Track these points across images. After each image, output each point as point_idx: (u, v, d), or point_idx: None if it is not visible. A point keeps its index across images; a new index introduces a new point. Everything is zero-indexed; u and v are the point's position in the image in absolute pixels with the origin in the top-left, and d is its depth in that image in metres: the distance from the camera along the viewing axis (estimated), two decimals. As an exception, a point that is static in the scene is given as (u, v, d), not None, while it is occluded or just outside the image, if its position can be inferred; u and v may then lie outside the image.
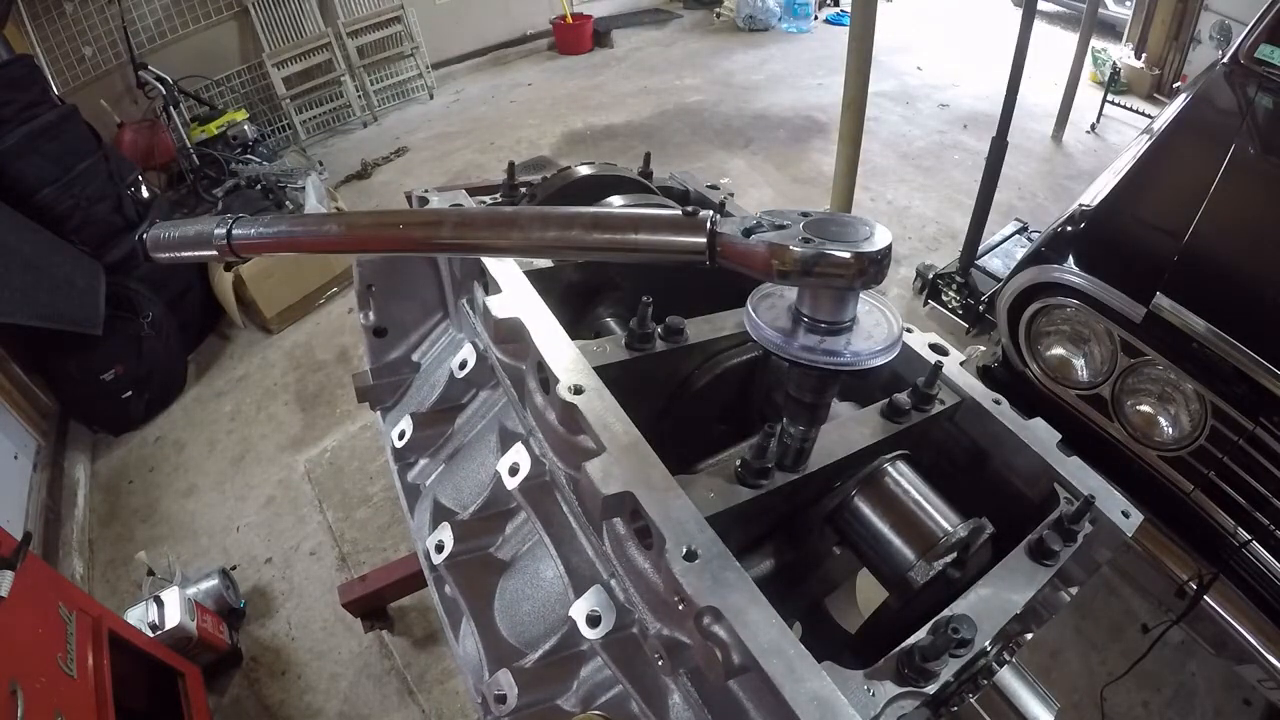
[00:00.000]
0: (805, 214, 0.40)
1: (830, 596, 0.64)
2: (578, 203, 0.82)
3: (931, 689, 0.46)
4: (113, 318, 2.39)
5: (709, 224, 0.38)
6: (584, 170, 0.88)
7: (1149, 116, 3.62)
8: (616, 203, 0.78)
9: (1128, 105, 4.39)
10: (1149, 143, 1.87)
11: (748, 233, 0.38)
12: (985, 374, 1.72)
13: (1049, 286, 1.54)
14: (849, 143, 2.45)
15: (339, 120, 4.98)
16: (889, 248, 0.37)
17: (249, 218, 0.60)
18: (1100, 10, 4.74)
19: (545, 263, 0.81)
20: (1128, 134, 3.86)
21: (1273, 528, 1.37)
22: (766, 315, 0.43)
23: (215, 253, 0.57)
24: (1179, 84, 3.94)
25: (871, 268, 0.37)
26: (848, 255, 0.36)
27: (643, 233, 0.40)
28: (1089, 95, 4.54)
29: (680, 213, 0.40)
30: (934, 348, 0.68)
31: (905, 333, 0.63)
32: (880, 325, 0.43)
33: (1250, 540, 1.39)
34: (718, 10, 6.54)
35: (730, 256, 0.39)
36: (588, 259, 0.47)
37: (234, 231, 0.57)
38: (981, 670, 0.49)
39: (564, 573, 0.61)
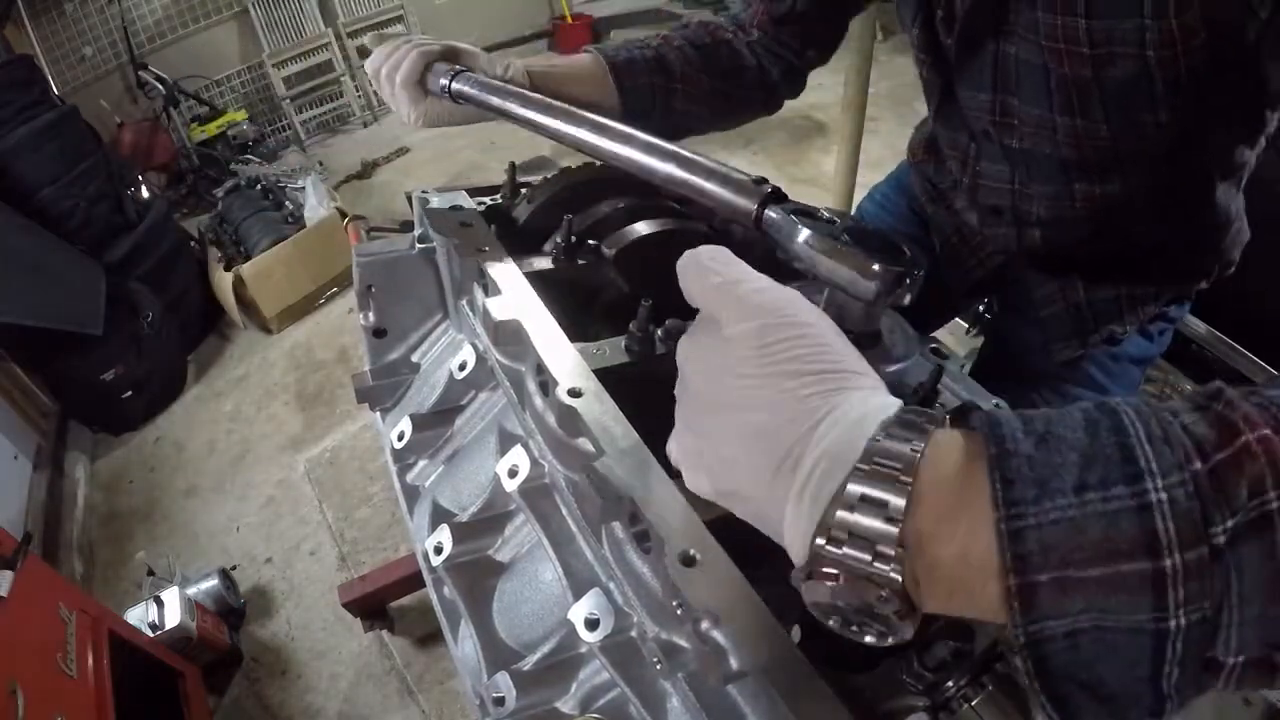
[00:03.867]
0: (856, 221, 0.42)
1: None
2: (578, 204, 0.82)
3: (931, 694, 0.46)
4: (113, 318, 2.39)
5: (764, 193, 0.44)
6: (585, 171, 0.88)
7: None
8: (641, 229, 0.83)
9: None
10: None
11: (795, 214, 0.41)
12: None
13: (1049, 287, 1.54)
14: (849, 143, 2.45)
15: (339, 120, 4.98)
16: (918, 274, 0.38)
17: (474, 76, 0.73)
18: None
19: (545, 264, 0.81)
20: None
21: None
22: None
23: (440, 87, 0.73)
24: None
25: (893, 285, 0.37)
26: (876, 266, 0.37)
27: (712, 182, 0.49)
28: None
29: (746, 177, 0.47)
30: (934, 351, 0.68)
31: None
32: (895, 335, 0.43)
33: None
34: (718, 10, 6.53)
35: (770, 228, 0.43)
36: (658, 183, 0.56)
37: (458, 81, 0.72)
38: (981, 674, 0.49)
39: (563, 575, 0.61)
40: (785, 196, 0.43)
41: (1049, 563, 0.25)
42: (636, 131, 0.55)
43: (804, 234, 0.39)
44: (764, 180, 0.45)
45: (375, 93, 5.15)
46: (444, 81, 0.72)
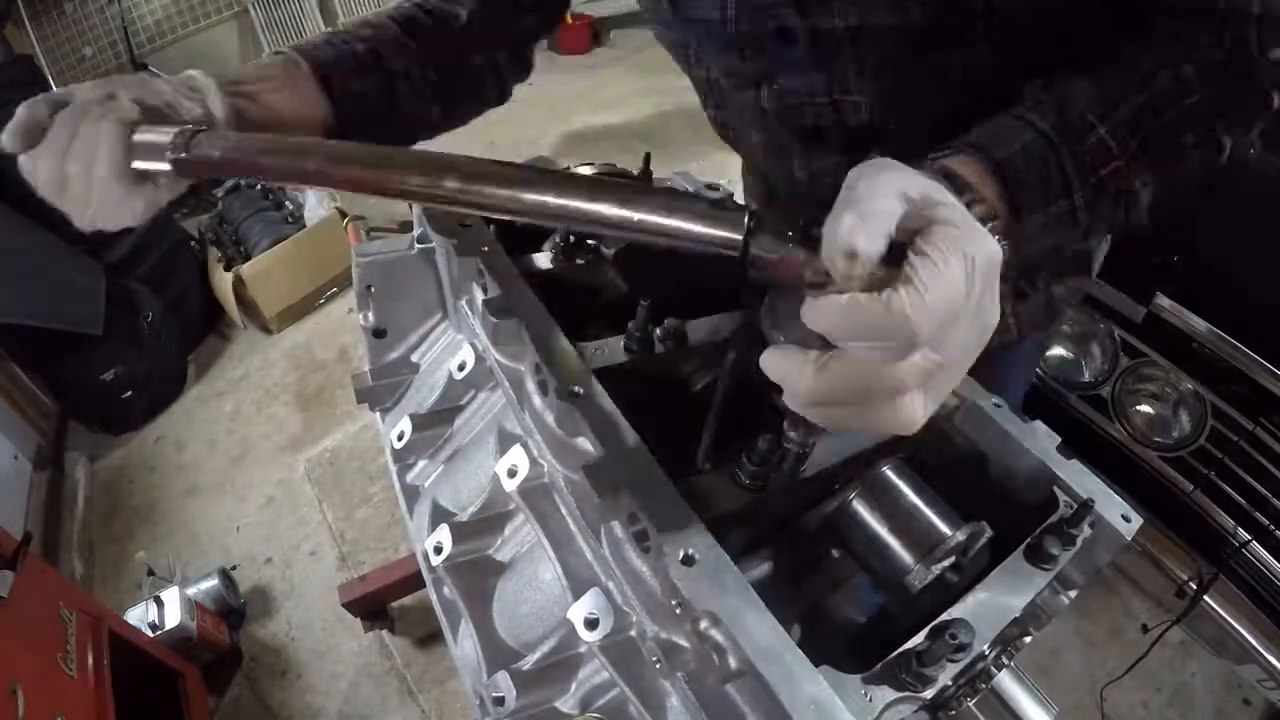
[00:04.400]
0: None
1: (828, 600, 0.64)
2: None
3: (929, 693, 0.46)
4: (113, 318, 2.39)
5: (746, 220, 0.36)
6: (584, 171, 0.88)
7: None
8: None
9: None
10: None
11: (785, 236, 0.36)
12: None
13: (1049, 287, 1.54)
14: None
15: (339, 120, 4.98)
16: None
17: (218, 133, 0.50)
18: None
19: (545, 264, 0.81)
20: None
21: (1273, 528, 1.37)
22: (783, 317, 0.42)
23: (168, 166, 0.49)
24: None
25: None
26: (888, 275, 0.34)
27: (677, 217, 0.37)
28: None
29: (719, 201, 0.37)
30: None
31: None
32: None
33: (1250, 540, 1.39)
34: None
35: (763, 260, 0.36)
36: (611, 235, 0.45)
37: (192, 147, 0.48)
38: (980, 674, 0.49)
39: (562, 575, 0.61)
40: (764, 217, 0.36)
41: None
42: (534, 169, 0.42)
43: (803, 257, 0.35)
44: (741, 205, 0.37)
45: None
46: (170, 155, 0.49)
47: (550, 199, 0.39)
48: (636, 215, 0.37)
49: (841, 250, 0.33)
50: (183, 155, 0.49)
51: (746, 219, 0.36)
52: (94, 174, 0.50)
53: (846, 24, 0.61)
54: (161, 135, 0.49)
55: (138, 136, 0.50)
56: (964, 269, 0.34)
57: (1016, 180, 0.47)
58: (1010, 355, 0.88)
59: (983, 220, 0.42)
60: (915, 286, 0.32)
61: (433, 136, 0.81)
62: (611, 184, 0.39)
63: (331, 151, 0.46)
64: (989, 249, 0.35)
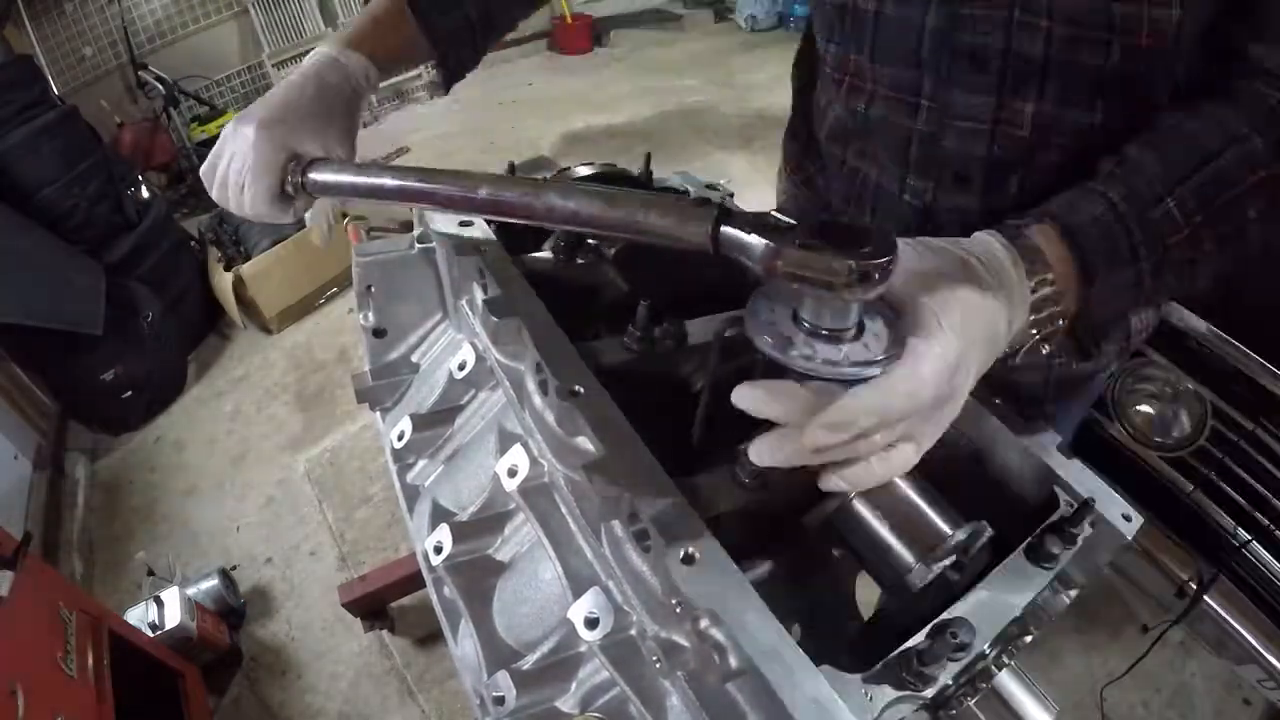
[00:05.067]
0: (825, 215, 0.40)
1: (829, 599, 0.64)
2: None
3: (930, 692, 0.46)
4: (113, 318, 2.39)
5: (714, 214, 0.39)
6: (584, 171, 0.88)
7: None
8: None
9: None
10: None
11: (752, 227, 0.38)
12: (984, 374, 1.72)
13: (1049, 287, 1.54)
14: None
15: (339, 120, 4.97)
16: (889, 262, 0.36)
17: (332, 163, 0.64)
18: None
19: (545, 264, 0.81)
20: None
21: (1273, 528, 1.37)
22: (765, 318, 0.42)
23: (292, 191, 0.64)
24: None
25: (865, 280, 0.35)
26: (847, 263, 0.35)
27: (651, 215, 0.42)
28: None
29: (689, 199, 0.42)
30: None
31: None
32: (880, 333, 0.42)
33: (1250, 540, 1.39)
34: (719, 9, 6.53)
35: (730, 249, 0.39)
36: (588, 232, 0.49)
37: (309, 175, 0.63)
38: (980, 673, 0.49)
39: (562, 574, 0.61)
40: (734, 212, 0.39)
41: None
42: (543, 179, 0.51)
43: (765, 246, 0.37)
44: (706, 200, 0.41)
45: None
46: (297, 179, 0.64)
47: (538, 202, 0.47)
48: (613, 214, 0.43)
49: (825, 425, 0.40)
50: (303, 179, 0.64)
51: (714, 213, 0.39)
52: (247, 198, 0.67)
53: (1047, 54, 0.59)
54: (295, 166, 0.64)
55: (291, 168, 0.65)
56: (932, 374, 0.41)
57: (1088, 247, 0.51)
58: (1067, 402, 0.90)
59: (1044, 303, 0.49)
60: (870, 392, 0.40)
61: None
62: (590, 188, 0.46)
63: (409, 176, 0.56)
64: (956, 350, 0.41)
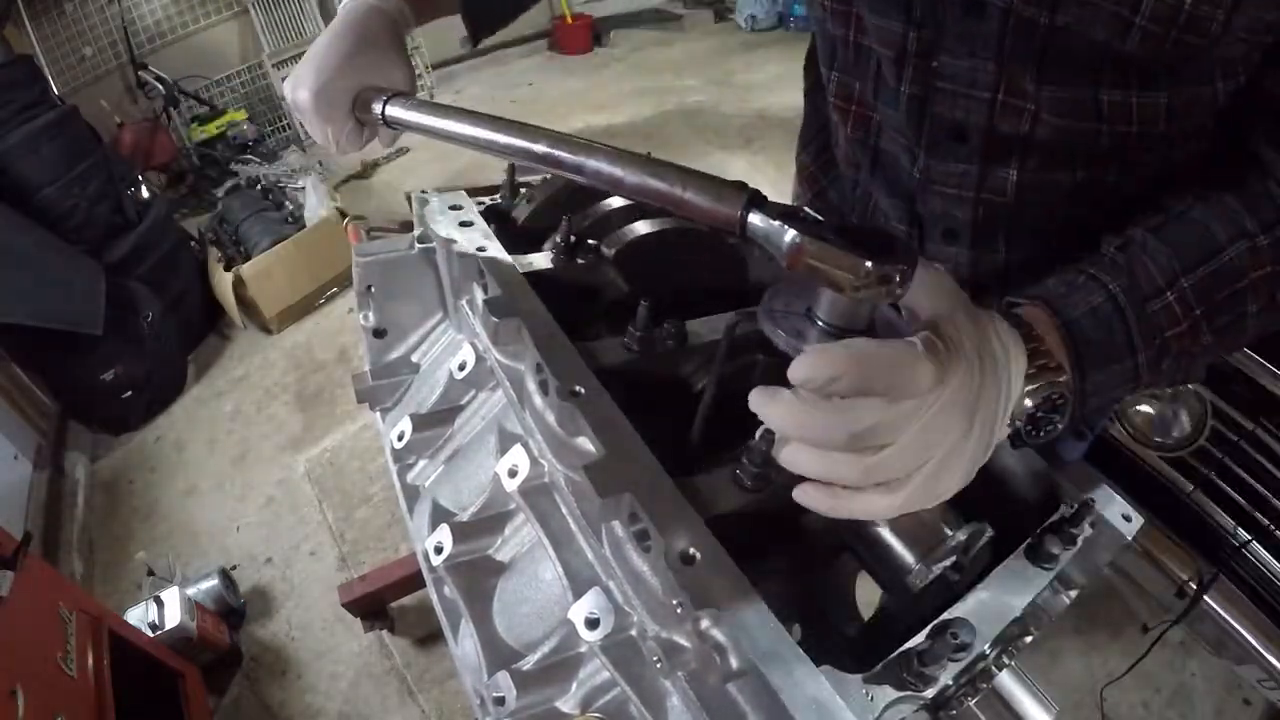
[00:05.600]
0: (845, 220, 0.40)
1: (829, 599, 0.64)
2: (577, 204, 0.82)
3: (930, 693, 0.46)
4: (113, 318, 2.39)
5: (746, 197, 0.40)
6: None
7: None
8: (640, 229, 0.79)
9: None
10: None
11: (780, 217, 0.39)
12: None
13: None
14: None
15: (339, 120, 4.97)
16: (910, 270, 0.36)
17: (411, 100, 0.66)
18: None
19: (545, 264, 0.81)
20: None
21: (1273, 528, 1.37)
22: (780, 312, 0.43)
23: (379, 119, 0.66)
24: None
25: (883, 283, 0.36)
26: (868, 264, 0.35)
27: (689, 190, 0.43)
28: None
29: (726, 181, 0.43)
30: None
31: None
32: (890, 333, 0.42)
33: (1250, 540, 1.39)
34: (718, 9, 6.53)
35: (756, 234, 0.40)
36: (628, 196, 0.50)
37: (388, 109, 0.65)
38: (981, 673, 0.49)
39: (563, 575, 0.61)
40: (766, 200, 0.41)
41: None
42: (597, 142, 0.50)
43: (791, 235, 0.38)
44: (744, 184, 0.41)
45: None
46: (377, 109, 0.67)
47: (592, 163, 0.49)
48: (651, 183, 0.45)
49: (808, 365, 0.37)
50: (384, 109, 0.66)
51: (746, 195, 0.40)
52: (327, 116, 0.69)
53: (1053, 20, 0.52)
54: (377, 95, 0.67)
55: (365, 97, 0.69)
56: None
57: (1083, 340, 0.50)
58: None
59: (1041, 370, 0.47)
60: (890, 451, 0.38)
61: None
62: (635, 156, 0.48)
63: (479, 120, 0.58)
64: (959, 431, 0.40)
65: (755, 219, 0.39)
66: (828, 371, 0.37)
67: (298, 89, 0.69)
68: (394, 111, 0.65)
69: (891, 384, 0.37)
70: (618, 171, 0.47)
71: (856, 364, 0.36)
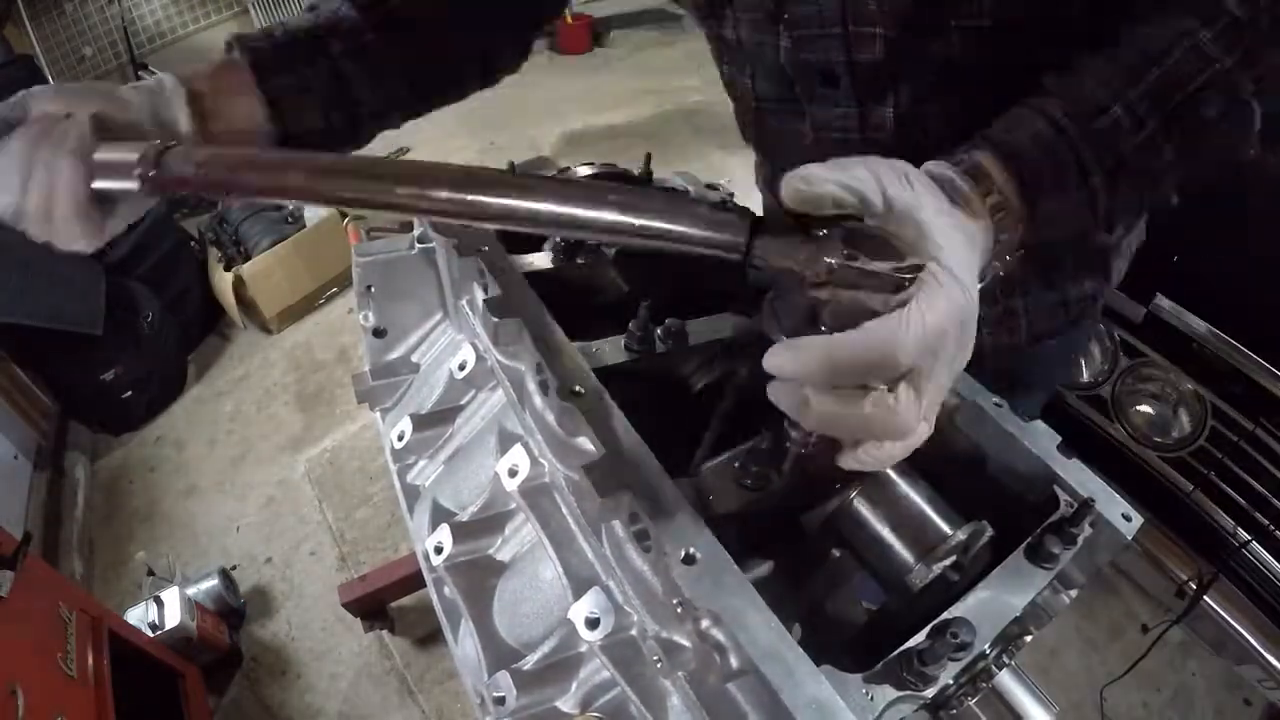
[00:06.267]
0: (838, 218, 0.39)
1: (829, 599, 0.64)
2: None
3: (930, 692, 0.46)
4: (113, 318, 2.39)
5: (749, 223, 0.37)
6: (584, 171, 0.88)
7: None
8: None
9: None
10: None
11: (785, 236, 0.37)
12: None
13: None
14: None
15: (339, 120, 4.98)
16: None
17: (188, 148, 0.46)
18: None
19: (545, 264, 0.81)
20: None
21: (1273, 528, 1.37)
22: (783, 317, 0.43)
23: (136, 185, 0.45)
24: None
25: (900, 290, 0.36)
26: (892, 275, 0.36)
27: (679, 221, 0.37)
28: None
29: (720, 203, 0.40)
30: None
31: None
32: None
33: (1250, 540, 1.39)
34: (718, 9, 6.52)
35: (767, 257, 0.37)
36: (607, 242, 0.44)
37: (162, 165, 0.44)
38: (981, 673, 0.49)
39: (563, 574, 0.61)
40: (765, 221, 0.37)
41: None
42: (531, 175, 0.41)
43: (818, 263, 0.36)
44: (739, 207, 0.39)
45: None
46: (139, 173, 0.45)
47: (547, 206, 0.38)
48: (637, 221, 0.37)
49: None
50: (152, 174, 0.45)
51: (749, 222, 0.37)
52: (54, 209, 0.47)
53: (888, 57, 0.58)
54: (128, 153, 0.45)
55: (101, 155, 0.46)
56: (943, 316, 0.37)
57: (1030, 169, 0.47)
58: (1030, 361, 0.86)
59: (995, 210, 0.45)
60: (902, 319, 0.36)
61: (403, 121, 0.74)
62: (610, 188, 0.38)
63: (315, 165, 0.44)
64: (961, 301, 0.38)
65: (764, 245, 0.37)
66: (794, 368, 0.38)
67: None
68: (176, 170, 0.45)
69: (871, 370, 0.37)
70: (577, 213, 0.38)
71: (826, 360, 0.37)
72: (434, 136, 4.67)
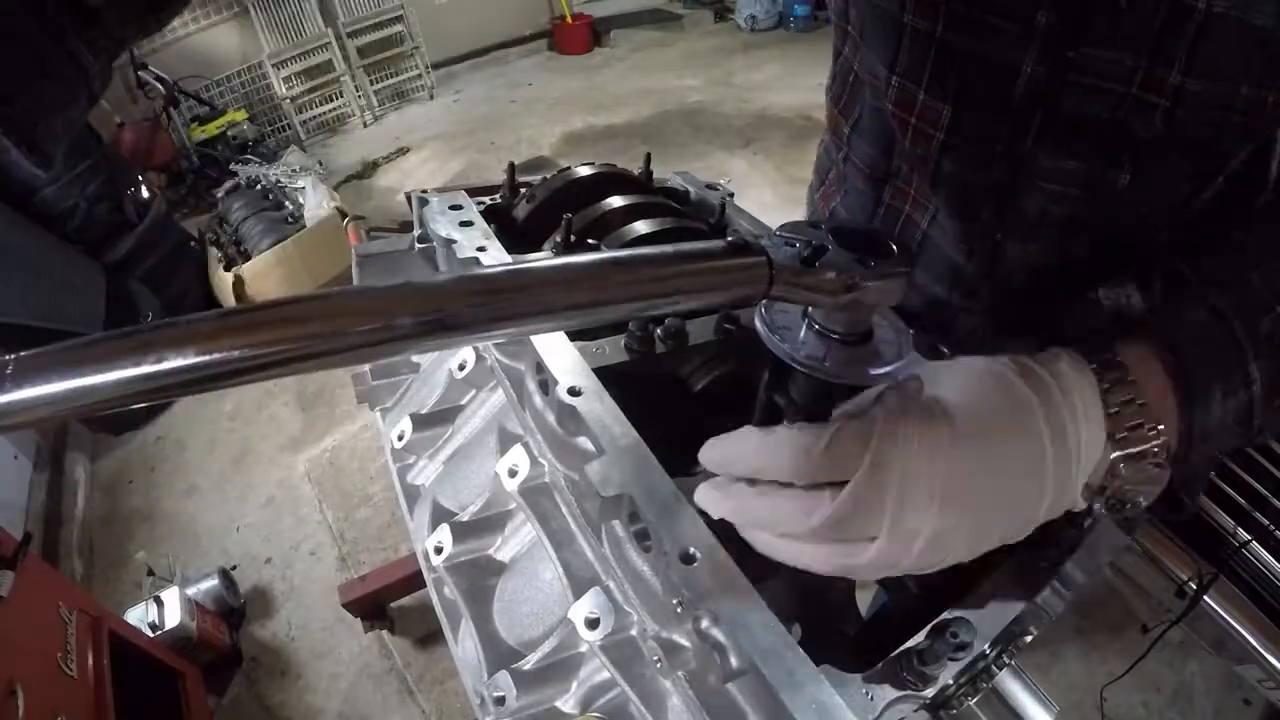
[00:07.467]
0: (815, 225, 0.38)
1: (829, 599, 0.64)
2: (577, 204, 0.81)
3: (930, 692, 0.46)
4: (113, 318, 2.39)
5: (768, 258, 0.34)
6: (584, 170, 0.88)
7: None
8: (640, 229, 0.76)
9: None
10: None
11: (805, 262, 0.35)
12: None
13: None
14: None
15: (339, 120, 4.99)
16: (906, 274, 0.38)
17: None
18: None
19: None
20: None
21: (1273, 528, 1.37)
22: (777, 320, 0.43)
23: None
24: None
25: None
26: (904, 279, 0.37)
27: (689, 277, 0.32)
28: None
29: (725, 244, 0.33)
30: (933, 349, 0.68)
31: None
32: (888, 334, 0.42)
33: (1250, 540, 1.39)
34: (718, 10, 6.54)
35: (789, 291, 0.35)
36: (623, 318, 0.41)
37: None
38: (981, 673, 0.49)
39: (563, 574, 0.61)
40: (783, 264, 0.35)
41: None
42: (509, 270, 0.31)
43: (845, 298, 0.38)
44: (761, 251, 0.34)
45: (375, 92, 5.14)
46: None
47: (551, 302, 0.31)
48: (647, 303, 0.33)
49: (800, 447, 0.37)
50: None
51: (769, 270, 0.34)
52: None
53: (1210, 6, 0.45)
54: None
55: None
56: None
57: (1192, 361, 0.42)
58: None
59: (1133, 431, 0.40)
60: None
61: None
62: (617, 267, 0.32)
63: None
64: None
65: (783, 272, 0.34)
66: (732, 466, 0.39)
67: None
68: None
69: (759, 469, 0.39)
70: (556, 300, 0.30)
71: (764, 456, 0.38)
72: (433, 136, 4.68)
